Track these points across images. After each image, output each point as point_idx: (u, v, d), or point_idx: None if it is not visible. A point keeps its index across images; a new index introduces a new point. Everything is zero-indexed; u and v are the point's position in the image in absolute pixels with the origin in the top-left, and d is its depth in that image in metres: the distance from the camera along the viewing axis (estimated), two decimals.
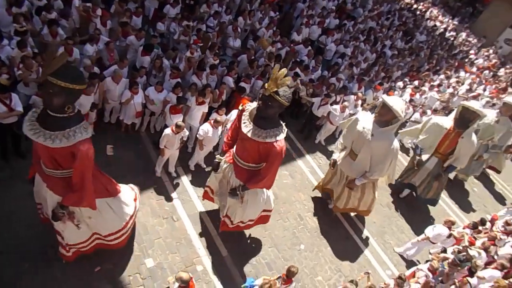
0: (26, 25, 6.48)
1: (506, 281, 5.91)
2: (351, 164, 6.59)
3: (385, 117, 5.97)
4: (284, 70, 4.30)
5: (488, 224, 7.96)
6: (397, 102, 5.90)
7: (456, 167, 7.95)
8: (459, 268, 5.92)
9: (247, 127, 4.67)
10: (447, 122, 7.75)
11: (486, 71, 17.95)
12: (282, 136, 4.66)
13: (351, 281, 5.34)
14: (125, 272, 5.10)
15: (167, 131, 6.09)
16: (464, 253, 6.11)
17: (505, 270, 6.41)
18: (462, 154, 7.59)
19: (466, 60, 18.49)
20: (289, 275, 4.90)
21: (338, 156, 6.86)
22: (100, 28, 7.71)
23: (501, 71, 19.05)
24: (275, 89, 4.29)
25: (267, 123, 4.59)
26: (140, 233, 5.64)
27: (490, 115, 9.47)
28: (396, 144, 6.12)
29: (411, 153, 9.38)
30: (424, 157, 8.06)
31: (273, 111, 4.50)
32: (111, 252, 5.08)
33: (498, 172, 11.01)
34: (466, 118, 7.32)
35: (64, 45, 6.51)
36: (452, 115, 7.86)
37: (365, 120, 6.32)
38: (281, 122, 4.81)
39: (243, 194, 5.14)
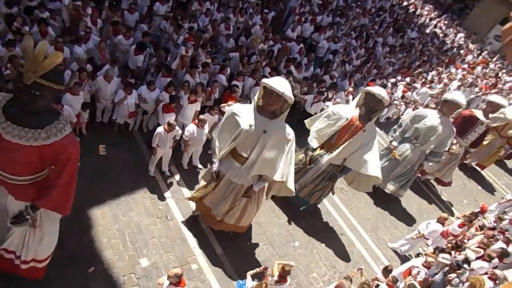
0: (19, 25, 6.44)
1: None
2: (240, 170, 5.29)
3: (276, 106, 5.03)
4: (45, 43, 3.00)
5: (479, 216, 8.10)
6: (283, 84, 4.92)
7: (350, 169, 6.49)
8: (459, 271, 5.89)
9: (9, 133, 3.10)
10: (347, 111, 6.36)
11: (478, 67, 18.17)
12: (69, 129, 3.32)
13: (345, 278, 5.39)
14: (119, 272, 5.07)
15: (159, 129, 6.08)
16: (461, 254, 6.17)
17: (493, 261, 6.51)
18: (359, 153, 6.26)
19: (457, 56, 18.68)
20: (284, 274, 4.89)
21: (217, 166, 5.36)
22: (90, 26, 7.64)
23: (492, 65, 19.34)
24: (42, 72, 2.92)
25: (42, 119, 3.20)
26: (134, 232, 5.62)
27: (434, 115, 7.74)
28: (291, 131, 5.26)
29: None
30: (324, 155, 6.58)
31: (44, 101, 3.13)
32: (104, 252, 5.06)
33: (448, 184, 9.64)
34: (369, 107, 6.17)
35: (55, 45, 6.45)
36: (354, 103, 6.54)
37: (245, 115, 5.10)
38: (57, 111, 3.49)
39: (35, 216, 3.63)
